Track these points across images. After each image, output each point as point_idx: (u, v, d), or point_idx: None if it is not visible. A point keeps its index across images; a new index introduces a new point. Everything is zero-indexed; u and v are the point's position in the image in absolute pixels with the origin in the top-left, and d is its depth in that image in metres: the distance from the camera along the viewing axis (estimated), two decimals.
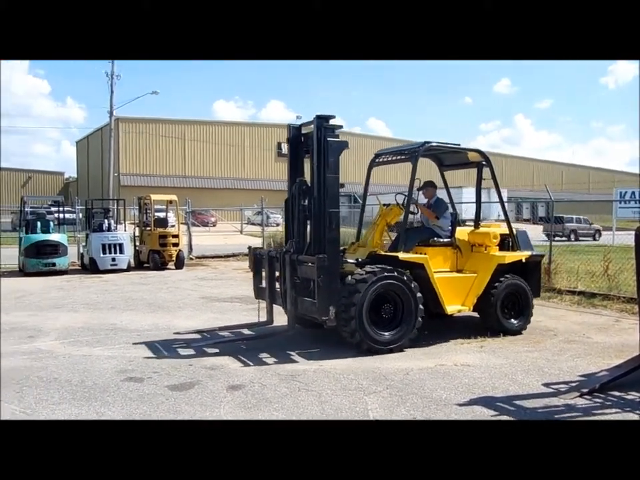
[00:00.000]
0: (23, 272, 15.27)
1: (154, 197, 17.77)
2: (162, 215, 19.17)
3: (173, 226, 18.07)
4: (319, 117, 6.96)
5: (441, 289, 7.39)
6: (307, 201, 7.19)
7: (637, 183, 35.69)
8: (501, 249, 8.17)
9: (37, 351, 7.01)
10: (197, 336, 7.78)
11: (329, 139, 6.89)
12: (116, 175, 42.39)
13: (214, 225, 36.75)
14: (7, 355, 6.77)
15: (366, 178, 8.68)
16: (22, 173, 69.91)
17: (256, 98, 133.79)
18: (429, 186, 8.31)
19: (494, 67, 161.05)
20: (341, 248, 7.91)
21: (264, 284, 7.75)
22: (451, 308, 7.59)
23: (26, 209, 17.84)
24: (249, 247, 8.38)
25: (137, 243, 17.94)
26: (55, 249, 15.26)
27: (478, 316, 8.08)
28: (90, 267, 15.81)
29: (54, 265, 15.12)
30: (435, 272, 7.40)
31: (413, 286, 7.00)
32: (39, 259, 14.98)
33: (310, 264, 6.84)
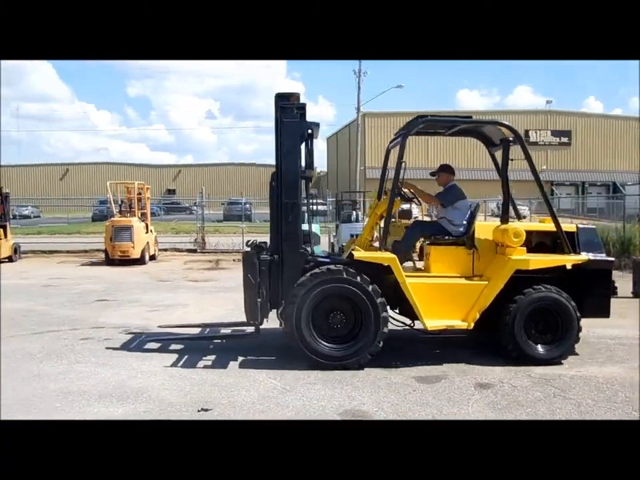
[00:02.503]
0: None
1: None
2: (406, 206, 19.43)
3: (416, 217, 18.15)
4: (277, 96, 6.14)
5: (420, 297, 5.93)
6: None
7: None
8: (544, 251, 6.36)
9: None
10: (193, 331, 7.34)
11: (284, 119, 6.05)
12: (362, 168, 44.25)
13: None
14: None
15: (384, 161, 7.22)
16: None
17: (501, 85, 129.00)
18: (442, 171, 6.86)
19: None
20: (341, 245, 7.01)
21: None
22: (434, 322, 5.98)
23: None
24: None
25: None
26: (308, 238, 16.39)
27: None
28: None
29: None
30: (434, 276, 6.18)
31: (371, 291, 5.77)
32: None
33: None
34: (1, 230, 15.41)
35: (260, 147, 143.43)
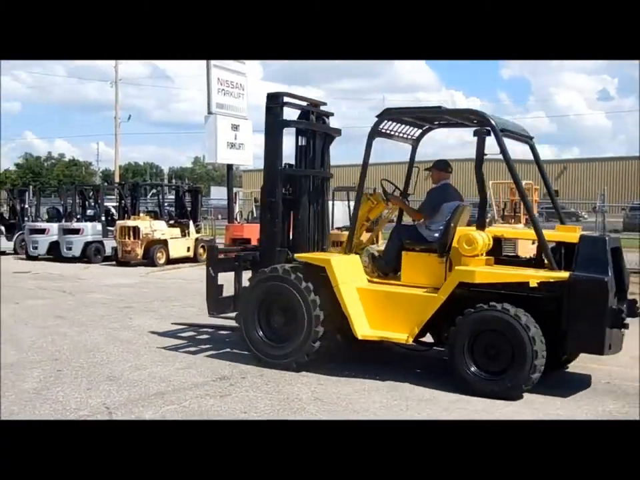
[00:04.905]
0: None
1: None
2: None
3: None
4: (268, 96, 6.28)
5: (367, 304, 5.65)
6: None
7: None
8: (531, 265, 5.47)
9: None
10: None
11: (267, 118, 6.24)
12: None
13: None
14: None
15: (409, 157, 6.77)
16: None
17: None
18: (434, 167, 6.26)
19: None
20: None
21: None
22: (368, 332, 5.59)
23: None
24: None
25: None
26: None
27: None
28: None
29: None
30: (386, 284, 5.84)
31: (303, 290, 5.57)
32: None
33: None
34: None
35: None
